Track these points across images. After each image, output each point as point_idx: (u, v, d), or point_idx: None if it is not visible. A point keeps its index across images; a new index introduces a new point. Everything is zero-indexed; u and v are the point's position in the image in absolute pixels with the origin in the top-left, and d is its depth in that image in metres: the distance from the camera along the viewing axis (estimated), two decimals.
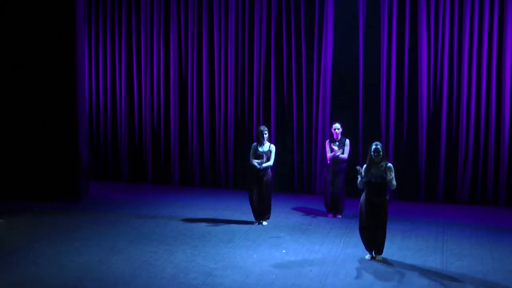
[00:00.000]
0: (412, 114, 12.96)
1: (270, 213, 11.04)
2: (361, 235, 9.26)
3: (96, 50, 14.41)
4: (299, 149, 13.48)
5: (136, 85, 14.30)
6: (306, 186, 13.52)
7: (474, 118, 12.67)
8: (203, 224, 10.96)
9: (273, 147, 10.90)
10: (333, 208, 11.53)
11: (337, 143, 11.37)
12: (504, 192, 12.58)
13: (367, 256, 9.23)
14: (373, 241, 9.14)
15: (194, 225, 10.93)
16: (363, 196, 9.14)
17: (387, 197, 9.06)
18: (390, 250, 9.58)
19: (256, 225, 10.89)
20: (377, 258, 9.15)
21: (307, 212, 11.89)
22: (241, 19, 13.62)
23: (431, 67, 12.79)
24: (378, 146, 9.03)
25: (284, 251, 9.59)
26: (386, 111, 13.01)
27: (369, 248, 9.21)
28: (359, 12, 12.93)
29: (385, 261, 9.11)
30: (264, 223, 10.97)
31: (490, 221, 11.48)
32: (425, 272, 8.74)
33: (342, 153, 11.32)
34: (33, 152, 12.58)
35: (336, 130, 11.41)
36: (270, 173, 10.92)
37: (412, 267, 8.91)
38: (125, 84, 14.31)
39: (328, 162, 11.45)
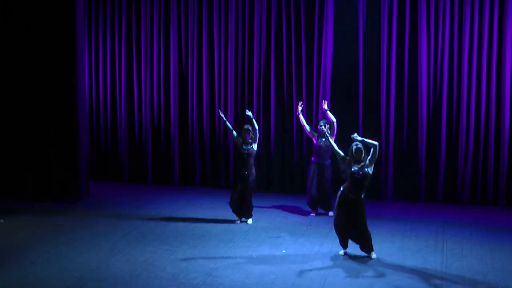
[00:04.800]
0: (412, 114, 12.96)
1: (251, 211, 11.06)
2: (335, 230, 9.34)
3: (96, 50, 14.41)
4: (299, 149, 13.48)
5: (136, 85, 14.31)
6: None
7: (474, 118, 12.66)
8: (203, 224, 10.96)
9: (255, 145, 10.90)
10: (316, 206, 11.65)
11: (323, 139, 11.36)
12: (504, 192, 12.58)
13: (341, 252, 9.34)
14: (348, 236, 9.27)
15: (194, 225, 10.92)
16: (339, 193, 9.21)
17: (363, 196, 9.11)
18: (390, 250, 9.59)
19: (238, 223, 10.92)
20: (371, 257, 9.18)
21: (307, 212, 11.88)
22: (241, 19, 13.62)
23: (431, 67, 12.79)
24: (360, 146, 9.05)
25: (284, 251, 9.59)
26: (386, 111, 13.01)
27: (343, 243, 9.33)
28: (359, 12, 12.92)
29: (385, 261, 9.11)
30: (249, 221, 10.99)
31: (490, 221, 11.48)
32: (425, 272, 8.73)
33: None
34: (33, 152, 12.59)
35: (319, 127, 11.41)
36: (254, 174, 10.94)
37: (412, 267, 8.91)
38: (125, 84, 14.32)
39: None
